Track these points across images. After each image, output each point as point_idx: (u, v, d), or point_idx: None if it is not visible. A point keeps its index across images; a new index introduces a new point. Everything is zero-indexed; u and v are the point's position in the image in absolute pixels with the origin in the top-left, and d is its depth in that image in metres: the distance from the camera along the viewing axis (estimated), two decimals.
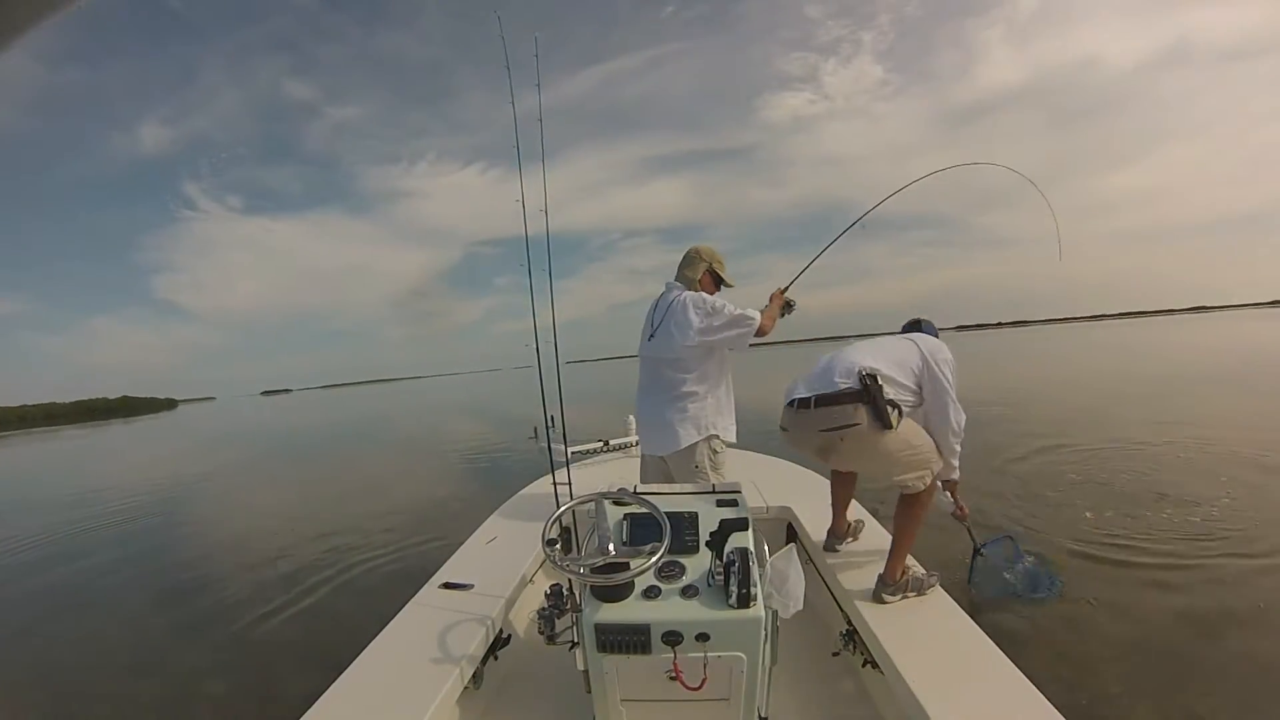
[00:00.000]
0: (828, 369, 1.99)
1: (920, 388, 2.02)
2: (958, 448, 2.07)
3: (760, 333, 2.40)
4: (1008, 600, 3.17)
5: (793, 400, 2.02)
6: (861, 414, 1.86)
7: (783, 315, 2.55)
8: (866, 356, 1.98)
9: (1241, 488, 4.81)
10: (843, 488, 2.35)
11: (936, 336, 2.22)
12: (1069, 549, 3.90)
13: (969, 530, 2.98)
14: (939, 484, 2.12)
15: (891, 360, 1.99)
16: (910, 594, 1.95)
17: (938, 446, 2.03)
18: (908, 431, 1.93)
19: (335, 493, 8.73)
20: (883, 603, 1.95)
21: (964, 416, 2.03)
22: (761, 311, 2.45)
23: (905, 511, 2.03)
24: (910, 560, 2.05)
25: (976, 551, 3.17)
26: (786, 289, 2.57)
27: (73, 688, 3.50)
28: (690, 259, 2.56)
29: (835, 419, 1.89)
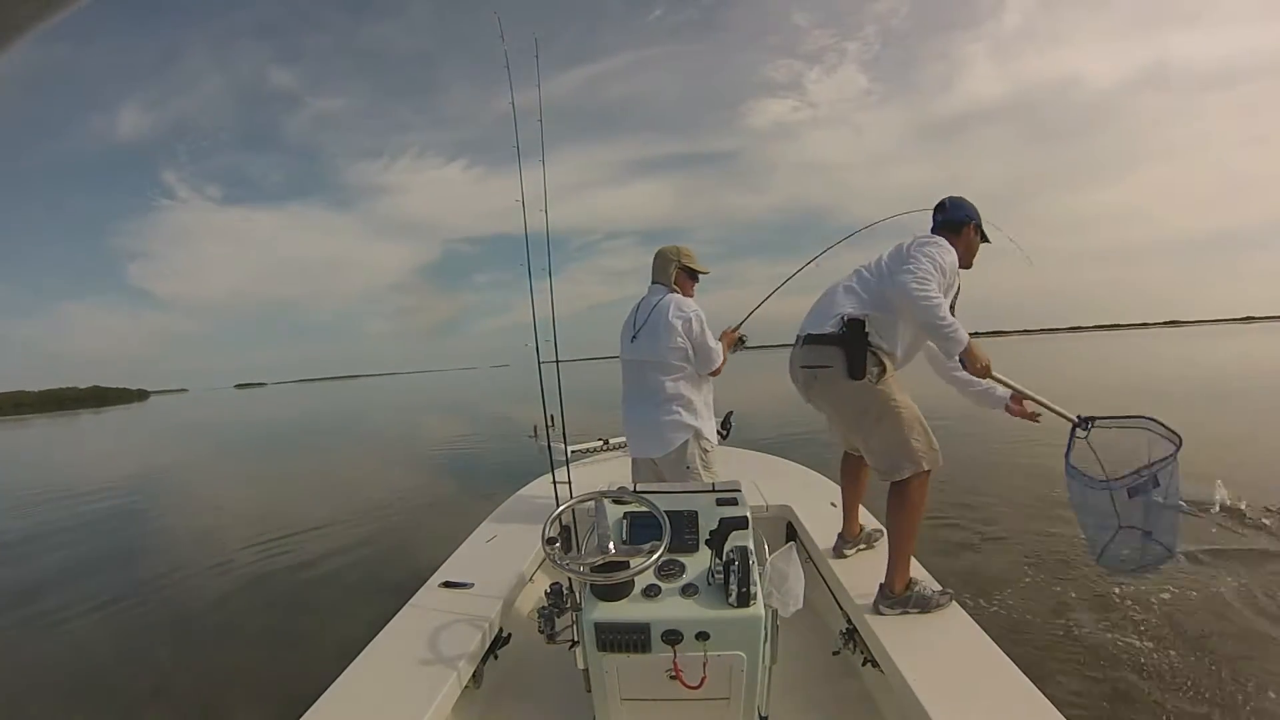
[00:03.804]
0: (824, 309, 2.01)
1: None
2: (936, 322, 1.77)
3: (714, 374, 2.58)
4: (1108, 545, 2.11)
5: (797, 335, 2.10)
6: (836, 357, 1.90)
7: (734, 351, 2.74)
8: (853, 300, 1.96)
9: None
10: (851, 485, 2.28)
11: (966, 216, 2.03)
12: None
13: (1050, 406, 2.15)
14: (923, 471, 1.89)
15: (881, 296, 1.92)
16: (913, 610, 1.84)
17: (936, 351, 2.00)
18: (888, 394, 1.88)
19: (324, 493, 8.65)
20: (880, 614, 1.86)
21: (930, 293, 1.75)
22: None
23: (894, 507, 1.90)
24: (922, 574, 1.97)
25: (1076, 427, 2.19)
26: (738, 328, 2.78)
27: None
28: (660, 263, 2.63)
29: (813, 358, 1.99)
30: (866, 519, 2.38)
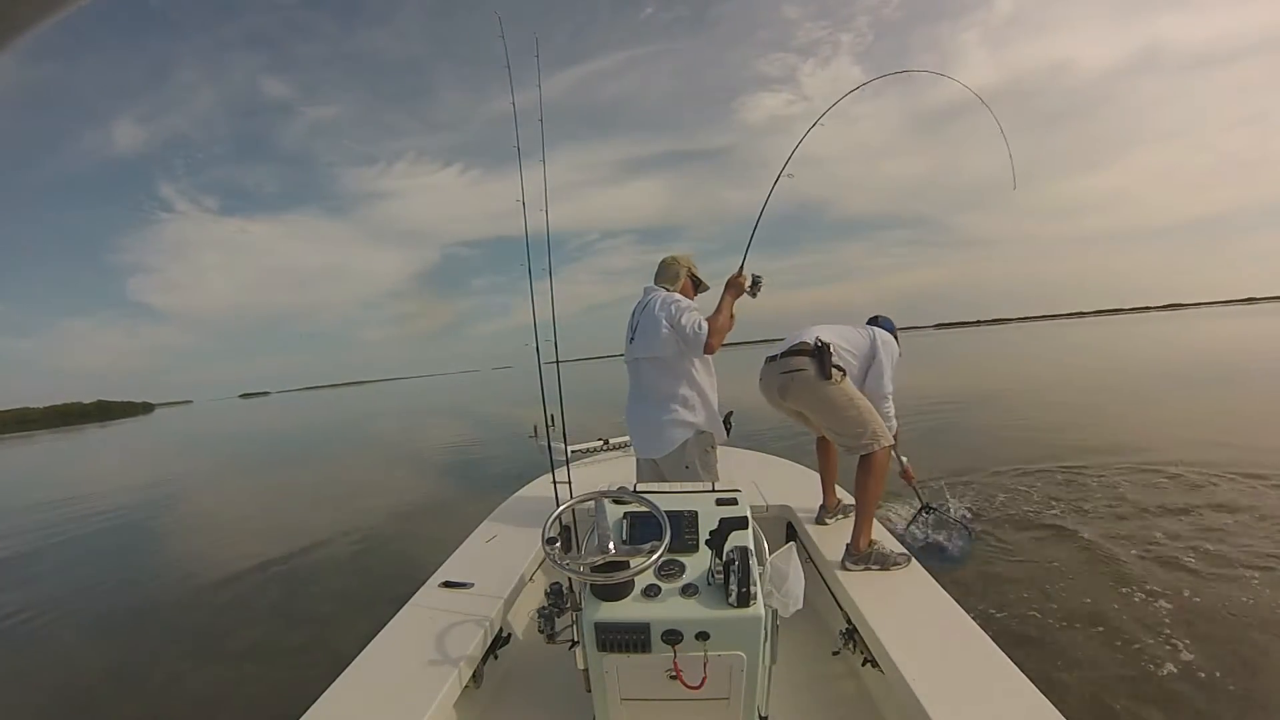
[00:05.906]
0: (794, 336, 2.51)
1: (865, 364, 2.55)
2: (889, 412, 2.53)
3: (709, 350, 2.37)
4: (934, 552, 3.59)
5: (768, 357, 2.54)
6: (808, 364, 2.36)
7: (753, 294, 2.48)
8: (825, 332, 2.48)
9: None
10: (826, 464, 2.75)
11: (893, 329, 2.73)
12: None
13: (915, 490, 3.41)
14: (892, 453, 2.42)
15: (845, 339, 2.53)
16: (874, 567, 2.14)
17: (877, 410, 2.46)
18: (848, 390, 2.37)
19: (326, 499, 8.66)
20: (847, 571, 2.13)
21: (891, 390, 2.56)
22: (713, 316, 2.39)
23: (861, 477, 2.27)
24: (883, 534, 2.31)
25: (923, 509, 3.67)
26: (740, 271, 2.46)
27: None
28: (671, 269, 2.59)
29: (789, 365, 2.41)
30: (843, 495, 2.79)
